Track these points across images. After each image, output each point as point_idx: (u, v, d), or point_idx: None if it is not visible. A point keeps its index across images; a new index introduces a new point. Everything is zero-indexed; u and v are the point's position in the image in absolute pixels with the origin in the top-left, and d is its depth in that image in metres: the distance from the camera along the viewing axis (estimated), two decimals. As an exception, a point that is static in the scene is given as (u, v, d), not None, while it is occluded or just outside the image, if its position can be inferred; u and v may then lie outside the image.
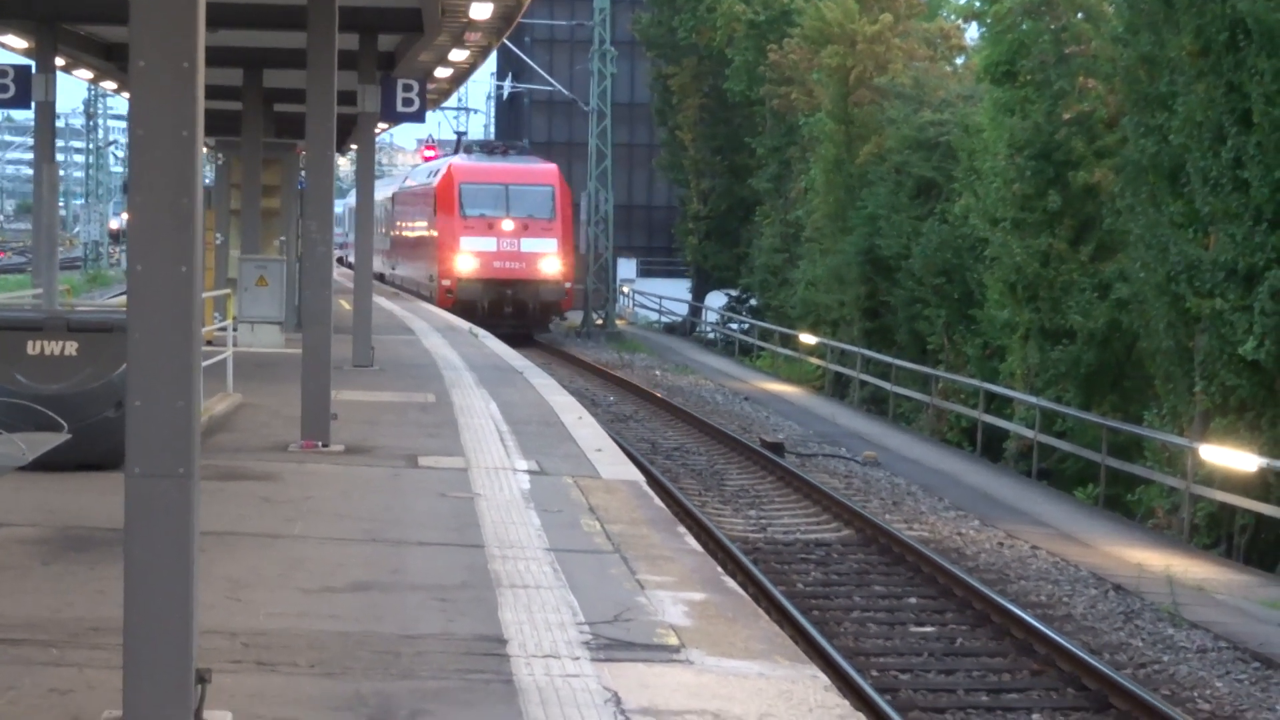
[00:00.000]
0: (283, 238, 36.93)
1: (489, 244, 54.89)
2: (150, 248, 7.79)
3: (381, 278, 68.75)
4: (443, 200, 56.54)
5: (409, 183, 69.30)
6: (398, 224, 68.86)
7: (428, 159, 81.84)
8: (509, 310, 54.68)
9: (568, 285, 56.41)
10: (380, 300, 38.95)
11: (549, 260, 55.13)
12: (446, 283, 54.93)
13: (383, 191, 72.15)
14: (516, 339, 48.45)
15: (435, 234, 57.29)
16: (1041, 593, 20.99)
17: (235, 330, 26.90)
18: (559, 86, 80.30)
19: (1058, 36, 37.09)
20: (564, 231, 56.21)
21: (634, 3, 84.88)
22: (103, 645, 9.66)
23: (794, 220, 58.19)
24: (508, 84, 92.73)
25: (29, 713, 8.65)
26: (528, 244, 55.01)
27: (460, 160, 59.84)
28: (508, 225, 55.02)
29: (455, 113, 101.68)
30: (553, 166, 59.49)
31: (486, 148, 62.19)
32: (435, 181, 58.87)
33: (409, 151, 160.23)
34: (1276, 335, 26.06)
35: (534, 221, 55.26)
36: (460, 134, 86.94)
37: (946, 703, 16.17)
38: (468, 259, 54.75)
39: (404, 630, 10.64)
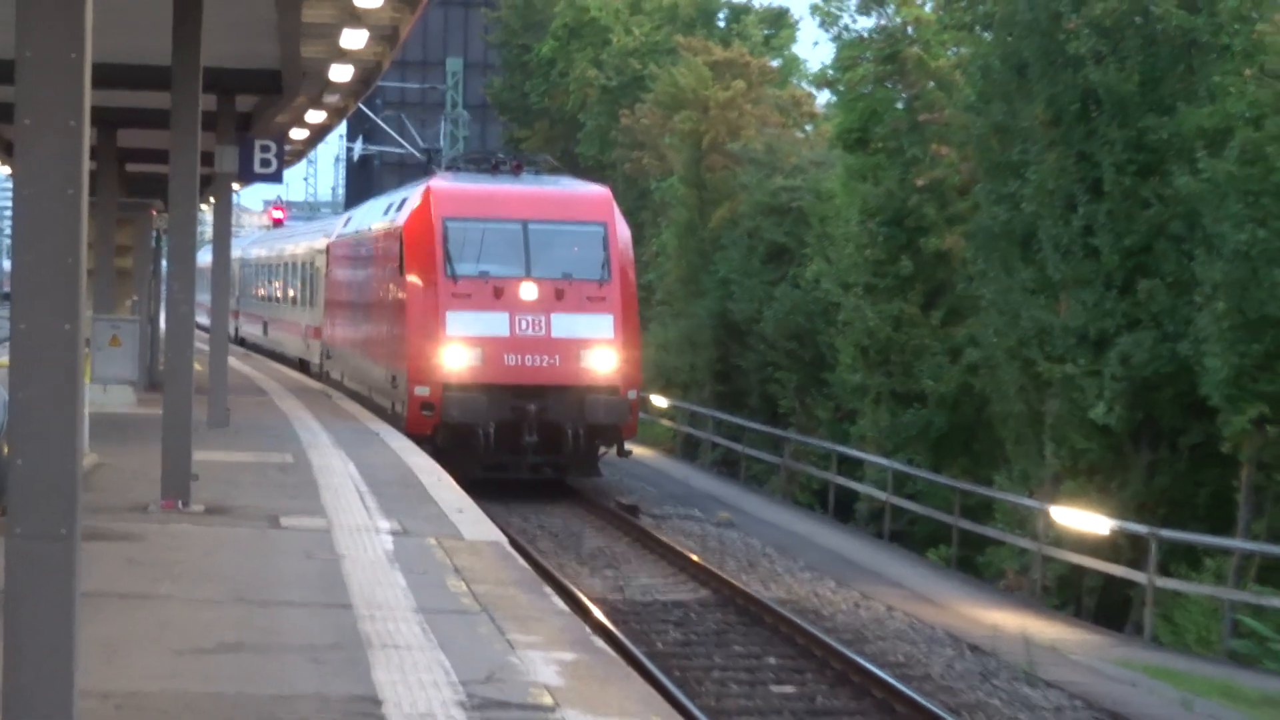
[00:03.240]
0: (135, 298, 36.70)
1: (497, 324, 32.54)
2: (35, 306, 7.79)
3: (305, 366, 50.52)
4: (414, 249, 33.78)
5: (355, 225, 43.70)
6: (335, 288, 44.79)
7: (276, 220, 79.92)
8: (531, 439, 32.47)
9: (632, 396, 33.42)
10: (232, 360, 37.55)
11: (600, 352, 32.73)
12: (422, 391, 32.52)
13: (306, 242, 53.58)
14: (543, 488, 34.06)
15: (401, 305, 34.17)
16: (899, 652, 21.17)
17: (88, 390, 26.69)
18: (411, 149, 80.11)
19: (910, 104, 37.62)
20: (624, 301, 33.53)
21: (486, 67, 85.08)
22: (-26, 707, 9.57)
23: (645, 284, 58.37)
24: (359, 145, 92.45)
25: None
26: (563, 324, 32.71)
27: (443, 182, 35.41)
28: (529, 291, 32.69)
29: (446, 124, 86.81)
30: (604, 192, 35.96)
31: (485, 162, 37.14)
32: (401, 219, 35.28)
33: (255, 212, 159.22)
34: (1126, 400, 26.55)
35: (574, 285, 33.02)
36: (430, 150, 69.36)
37: (809, 762, 16.29)
38: (459, 351, 32.37)
39: (279, 691, 10.62)
